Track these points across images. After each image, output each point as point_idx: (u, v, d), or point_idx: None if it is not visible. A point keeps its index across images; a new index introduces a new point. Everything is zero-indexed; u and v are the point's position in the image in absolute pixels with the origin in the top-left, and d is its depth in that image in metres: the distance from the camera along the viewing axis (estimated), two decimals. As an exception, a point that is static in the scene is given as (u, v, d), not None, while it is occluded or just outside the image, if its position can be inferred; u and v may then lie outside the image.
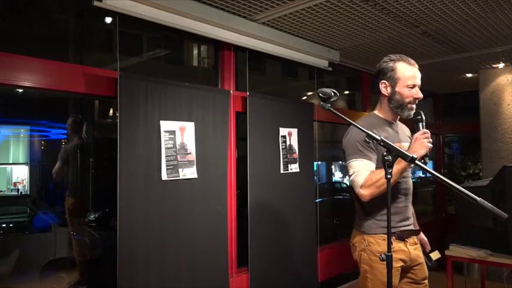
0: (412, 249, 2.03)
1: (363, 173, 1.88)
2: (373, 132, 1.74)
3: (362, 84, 5.03)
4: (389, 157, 1.53)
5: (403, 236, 1.99)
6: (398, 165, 1.79)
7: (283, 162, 3.49)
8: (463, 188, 1.46)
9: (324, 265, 3.93)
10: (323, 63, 3.87)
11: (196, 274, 2.77)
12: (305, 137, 3.73)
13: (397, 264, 1.94)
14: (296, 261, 3.56)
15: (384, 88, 2.01)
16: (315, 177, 3.97)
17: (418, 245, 2.11)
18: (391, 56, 2.01)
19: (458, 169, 5.89)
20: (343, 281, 4.32)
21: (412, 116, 1.95)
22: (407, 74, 1.96)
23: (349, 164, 1.96)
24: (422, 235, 2.25)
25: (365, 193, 1.85)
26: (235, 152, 3.27)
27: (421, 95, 1.97)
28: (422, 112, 1.90)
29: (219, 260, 2.96)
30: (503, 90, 4.69)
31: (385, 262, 1.89)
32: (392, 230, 1.94)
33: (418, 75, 1.99)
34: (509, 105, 4.64)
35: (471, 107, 4.99)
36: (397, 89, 1.96)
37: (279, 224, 3.44)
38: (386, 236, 1.90)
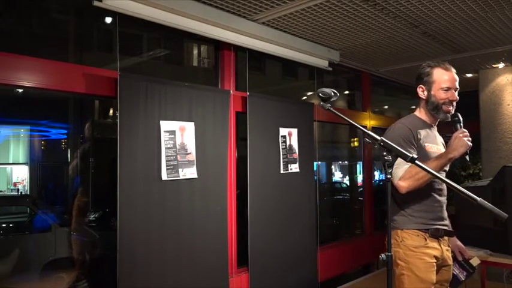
0: (444, 249, 2.07)
1: (403, 165, 1.93)
2: (414, 130, 2.00)
3: (362, 84, 5.03)
4: (389, 157, 1.54)
5: (437, 234, 2.03)
6: (438, 161, 1.88)
7: (283, 162, 3.48)
8: (463, 188, 1.46)
9: (324, 265, 3.93)
10: (323, 63, 3.87)
11: (196, 274, 2.77)
12: (305, 137, 3.73)
13: (431, 260, 1.98)
14: (296, 261, 3.56)
15: (421, 92, 2.11)
16: (315, 177, 3.97)
17: (450, 248, 2.15)
18: (429, 62, 2.12)
19: (458, 169, 5.87)
20: (343, 281, 4.32)
21: (450, 118, 2.03)
22: (443, 77, 2.05)
23: None
24: (459, 243, 2.30)
25: (403, 185, 1.91)
26: (235, 152, 3.27)
27: (456, 97, 2.06)
28: (459, 114, 1.98)
29: (219, 260, 2.96)
30: (503, 90, 4.69)
31: (422, 257, 1.95)
32: (426, 227, 2.01)
33: (454, 79, 2.07)
34: (509, 105, 4.64)
35: (471, 107, 4.97)
36: (432, 92, 2.06)
37: (279, 224, 3.43)
38: (420, 231, 1.99)
